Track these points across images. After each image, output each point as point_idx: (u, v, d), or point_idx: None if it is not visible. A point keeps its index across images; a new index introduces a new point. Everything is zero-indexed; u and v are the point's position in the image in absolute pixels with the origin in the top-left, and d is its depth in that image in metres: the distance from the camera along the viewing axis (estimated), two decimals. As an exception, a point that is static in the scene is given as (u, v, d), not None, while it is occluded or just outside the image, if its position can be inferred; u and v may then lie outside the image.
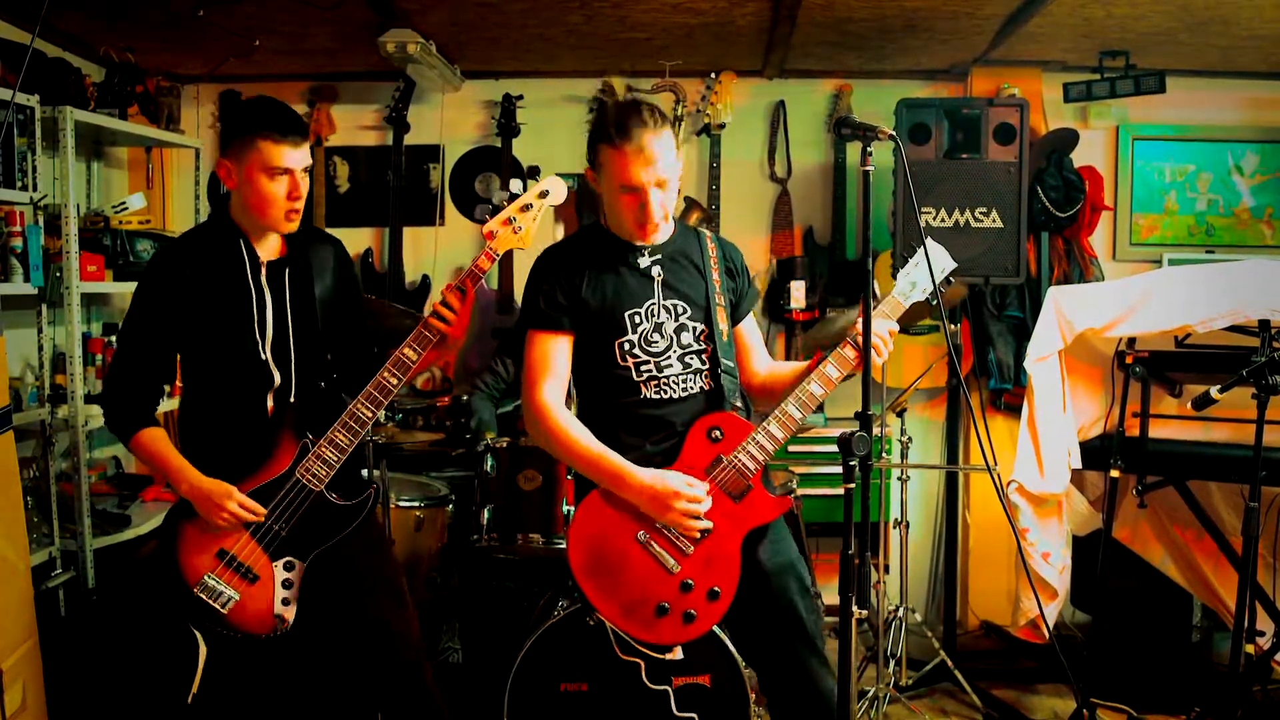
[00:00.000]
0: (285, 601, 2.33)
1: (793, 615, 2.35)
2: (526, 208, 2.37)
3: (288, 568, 2.33)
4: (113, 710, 3.07)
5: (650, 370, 2.32)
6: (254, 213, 2.36)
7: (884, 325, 2.31)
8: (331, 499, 2.35)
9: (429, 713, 2.54)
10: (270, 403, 2.38)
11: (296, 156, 2.33)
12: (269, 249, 2.43)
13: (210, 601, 2.29)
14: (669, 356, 2.33)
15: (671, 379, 2.32)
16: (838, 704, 2.14)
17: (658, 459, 2.30)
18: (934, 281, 2.35)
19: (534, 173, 4.50)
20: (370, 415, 2.31)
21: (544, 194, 2.39)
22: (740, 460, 2.27)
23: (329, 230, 4.53)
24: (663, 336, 2.33)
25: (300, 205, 2.37)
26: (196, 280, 2.33)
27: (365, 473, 3.20)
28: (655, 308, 2.34)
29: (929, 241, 2.43)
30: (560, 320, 2.34)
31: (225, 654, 2.38)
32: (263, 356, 2.36)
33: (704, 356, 2.36)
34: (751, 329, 2.53)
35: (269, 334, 2.37)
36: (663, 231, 2.39)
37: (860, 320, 2.14)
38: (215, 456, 2.34)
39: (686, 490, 2.22)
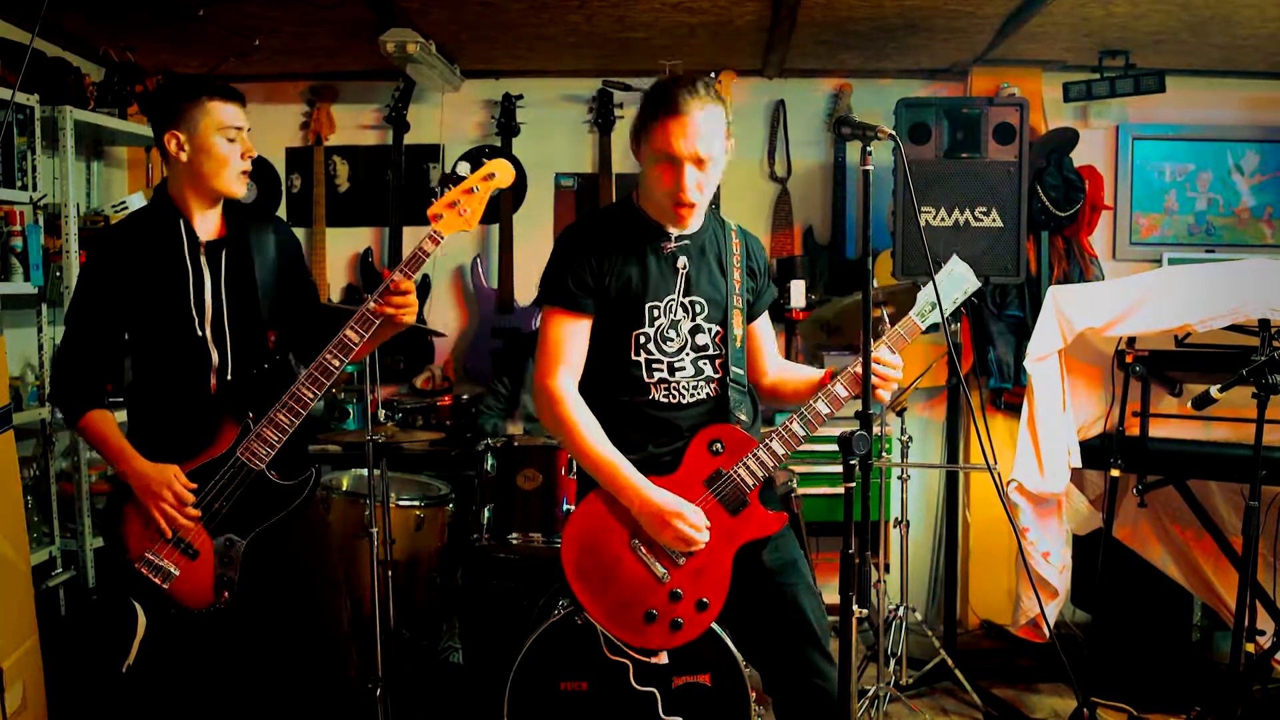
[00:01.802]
0: (224, 578, 2.34)
1: (797, 612, 2.33)
2: (470, 191, 2.37)
3: (228, 544, 2.35)
4: (112, 710, 3.07)
5: (661, 371, 2.28)
6: (208, 179, 2.36)
7: (889, 355, 2.28)
8: (272, 478, 2.36)
9: (349, 700, 2.56)
10: (213, 382, 2.39)
11: (243, 117, 2.39)
12: (208, 229, 2.43)
13: (150, 576, 2.31)
14: (682, 357, 2.29)
15: (682, 382, 2.29)
16: (838, 704, 2.14)
17: (666, 458, 2.28)
18: (941, 311, 2.32)
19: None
20: (312, 396, 2.32)
21: (489, 176, 2.38)
22: (740, 475, 2.25)
23: (329, 229, 4.55)
24: (678, 335, 2.29)
25: (250, 166, 2.40)
26: (135, 262, 2.35)
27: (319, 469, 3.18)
28: (674, 304, 2.29)
29: (954, 260, 2.39)
30: (582, 302, 2.27)
31: (167, 627, 2.40)
32: (199, 334, 2.37)
33: (716, 363, 2.32)
34: (765, 327, 2.49)
35: (207, 313, 2.38)
36: (695, 219, 2.33)
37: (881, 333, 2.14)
38: (160, 437, 2.35)
39: (691, 516, 2.19)
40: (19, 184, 3.36)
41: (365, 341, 2.32)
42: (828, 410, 2.27)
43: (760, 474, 2.26)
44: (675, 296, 2.30)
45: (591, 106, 4.58)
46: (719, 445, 2.27)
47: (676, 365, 2.29)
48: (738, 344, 2.34)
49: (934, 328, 2.37)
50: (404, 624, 3.50)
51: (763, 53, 4.29)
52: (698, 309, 2.31)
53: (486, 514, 3.29)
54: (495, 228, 4.57)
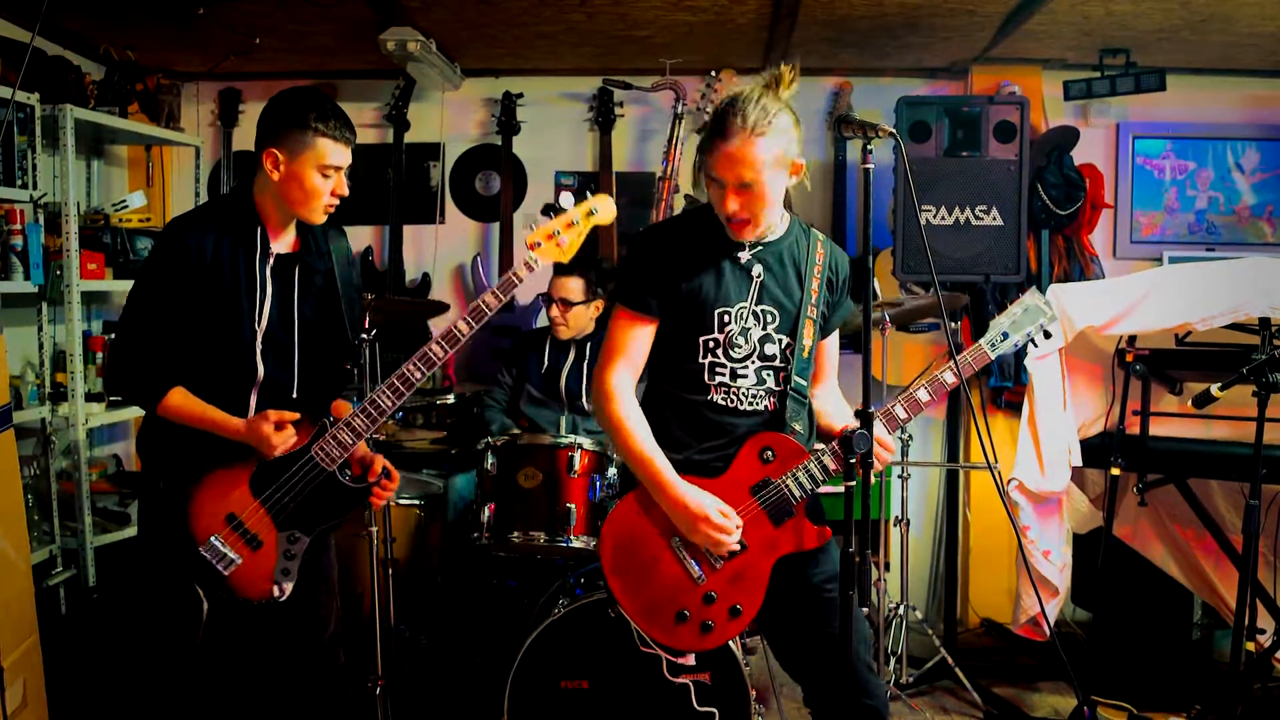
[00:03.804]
0: (285, 572, 2.37)
1: (842, 630, 2.27)
2: (572, 224, 2.38)
3: (291, 540, 2.37)
4: (113, 708, 3.07)
5: (724, 376, 2.26)
6: (292, 204, 2.38)
7: (886, 437, 2.23)
8: (342, 480, 2.39)
9: (336, 696, 2.60)
10: (253, 396, 2.40)
11: (347, 156, 2.42)
12: (283, 241, 2.45)
13: (213, 562, 2.33)
14: (747, 366, 2.27)
15: (743, 390, 2.27)
16: (840, 701, 2.14)
17: (716, 463, 2.26)
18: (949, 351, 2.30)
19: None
20: (390, 405, 2.33)
21: (591, 213, 2.38)
22: (788, 485, 2.23)
23: (329, 229, 4.54)
24: (747, 343, 2.27)
25: (337, 202, 2.42)
26: (212, 254, 2.34)
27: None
28: (746, 312, 2.28)
29: (1033, 293, 2.34)
30: (650, 305, 2.28)
31: (223, 617, 2.42)
32: (250, 344, 2.38)
33: (780, 376, 2.30)
34: (830, 349, 2.43)
35: (262, 325, 2.39)
36: (774, 227, 2.31)
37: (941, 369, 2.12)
38: (183, 442, 2.34)
39: (717, 519, 2.18)
40: (19, 183, 3.36)
41: (449, 356, 2.35)
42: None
43: (809, 486, 2.23)
44: (747, 304, 2.28)
45: (592, 105, 4.58)
46: (770, 453, 2.24)
47: (739, 372, 2.27)
48: (805, 354, 2.30)
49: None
50: (404, 622, 3.50)
51: (763, 51, 4.29)
52: (769, 318, 2.29)
53: (487, 513, 3.29)
54: (496, 226, 4.57)
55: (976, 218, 3.85)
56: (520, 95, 4.53)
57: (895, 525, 3.82)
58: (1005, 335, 2.35)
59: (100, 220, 3.83)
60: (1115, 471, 3.16)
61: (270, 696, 2.53)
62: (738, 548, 2.21)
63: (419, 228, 4.65)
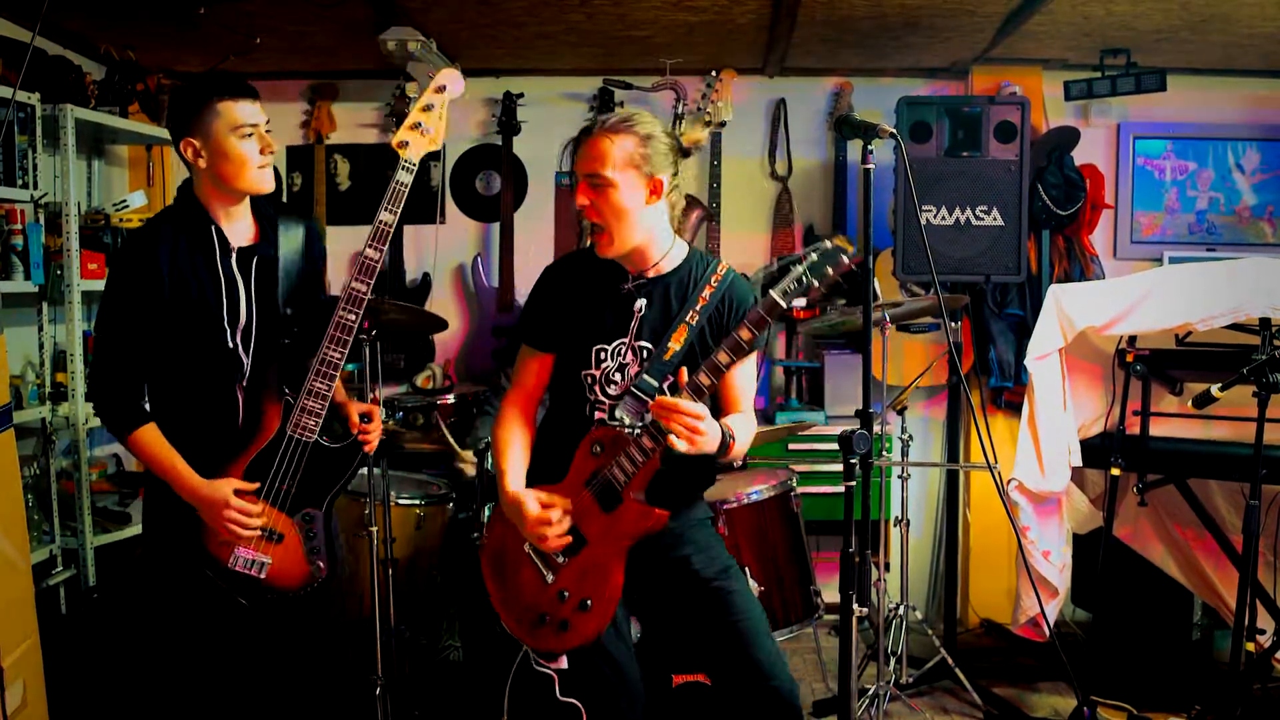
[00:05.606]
0: (314, 550, 2.40)
1: (736, 616, 2.31)
2: (429, 108, 2.37)
3: (307, 519, 2.39)
4: (113, 708, 3.07)
5: (603, 414, 2.33)
6: (230, 181, 2.33)
7: (689, 404, 2.10)
8: (327, 445, 2.40)
9: (336, 695, 2.62)
10: (240, 394, 2.38)
11: (257, 112, 2.35)
12: (240, 233, 2.41)
13: (248, 572, 2.34)
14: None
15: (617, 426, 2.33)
16: (839, 702, 2.14)
17: (561, 471, 2.33)
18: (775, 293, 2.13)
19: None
20: (339, 356, 2.33)
21: (441, 89, 2.37)
22: (612, 472, 2.25)
23: (330, 228, 4.54)
24: (624, 378, 2.32)
25: (271, 160, 2.38)
26: (168, 268, 2.30)
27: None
28: (624, 348, 2.32)
29: (826, 243, 2.13)
30: (541, 341, 2.40)
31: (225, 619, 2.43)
32: (230, 345, 2.36)
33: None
34: (738, 378, 2.36)
35: (240, 322, 2.37)
36: (659, 258, 2.33)
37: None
38: (194, 443, 2.33)
39: (531, 509, 2.25)
40: (20, 182, 3.36)
41: (371, 289, 2.36)
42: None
43: (630, 469, 2.23)
44: (627, 339, 2.32)
45: (592, 105, 4.58)
46: (598, 447, 2.29)
47: (618, 411, 2.33)
48: (667, 356, 2.30)
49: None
50: (404, 622, 3.50)
51: (763, 51, 4.29)
52: (645, 353, 2.32)
53: (487, 512, 3.29)
54: (496, 226, 4.57)
55: (977, 218, 3.85)
56: (520, 95, 4.53)
57: (895, 525, 3.82)
58: (801, 282, 2.10)
59: (101, 220, 3.83)
60: (1115, 472, 3.16)
61: (271, 695, 2.53)
62: (568, 539, 2.25)
63: (419, 228, 4.65)
